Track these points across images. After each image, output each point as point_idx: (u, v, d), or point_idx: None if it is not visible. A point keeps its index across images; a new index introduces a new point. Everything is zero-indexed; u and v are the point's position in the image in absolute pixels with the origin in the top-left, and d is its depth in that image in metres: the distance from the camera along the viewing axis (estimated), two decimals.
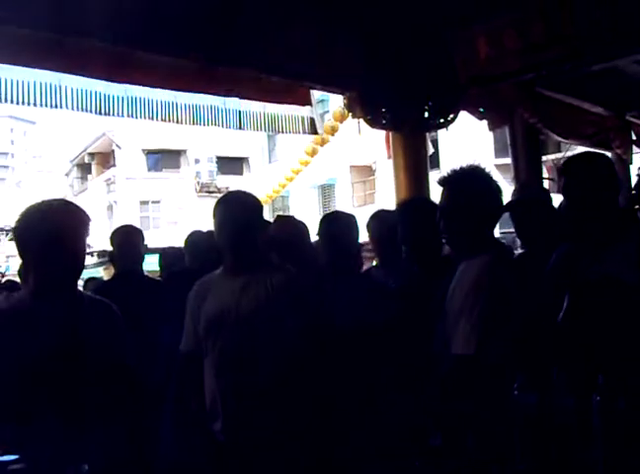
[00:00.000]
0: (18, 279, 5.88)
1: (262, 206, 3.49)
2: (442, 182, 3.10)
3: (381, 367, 3.26)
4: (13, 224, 2.75)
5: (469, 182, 3.03)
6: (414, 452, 2.43)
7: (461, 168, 3.09)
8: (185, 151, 35.40)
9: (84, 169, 40.25)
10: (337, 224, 3.65)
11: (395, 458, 2.41)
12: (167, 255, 5.22)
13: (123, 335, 2.95)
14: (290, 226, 4.25)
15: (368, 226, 4.18)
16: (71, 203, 2.88)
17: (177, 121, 6.09)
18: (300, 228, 4.27)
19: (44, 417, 2.59)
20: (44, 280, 2.70)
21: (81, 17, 4.32)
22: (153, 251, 5.96)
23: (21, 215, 2.72)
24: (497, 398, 1.60)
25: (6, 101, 5.11)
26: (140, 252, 4.89)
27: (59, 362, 2.54)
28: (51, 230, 2.62)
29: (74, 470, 1.48)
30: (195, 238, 4.54)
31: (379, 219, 4.07)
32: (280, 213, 15.91)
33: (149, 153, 35.01)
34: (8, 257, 34.80)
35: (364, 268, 4.91)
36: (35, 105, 5.24)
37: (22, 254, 2.72)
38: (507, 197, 3.86)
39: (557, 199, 4.03)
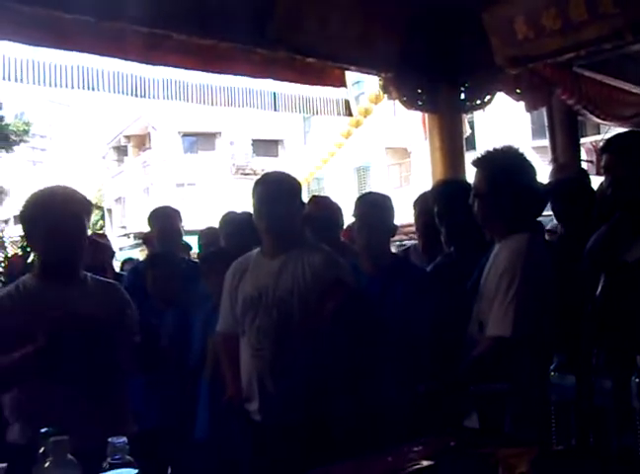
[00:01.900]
0: None
1: (301, 187, 3.48)
2: (476, 163, 3.08)
3: (417, 350, 3.26)
4: (19, 211, 2.87)
5: (503, 163, 3.00)
6: (449, 433, 2.43)
7: (495, 149, 3.06)
8: (220, 133, 35.51)
9: (120, 151, 40.59)
10: (372, 205, 3.64)
11: (430, 439, 2.41)
12: (205, 235, 5.26)
13: (128, 314, 3.01)
14: (326, 205, 4.28)
15: (415, 205, 4.17)
16: (71, 189, 2.98)
17: (212, 104, 6.12)
18: (335, 208, 4.29)
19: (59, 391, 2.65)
20: (47, 263, 2.85)
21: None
22: (190, 232, 6.02)
23: (25, 202, 2.85)
24: (534, 379, 1.59)
25: (44, 84, 5.18)
26: (179, 233, 4.93)
27: (63, 340, 2.58)
28: (53, 216, 2.75)
29: (114, 444, 1.51)
30: (229, 219, 4.55)
31: (424, 200, 4.05)
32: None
33: (185, 135, 35.18)
34: None
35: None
36: (72, 88, 5.30)
37: (27, 238, 2.88)
38: (544, 179, 3.82)
39: (595, 182, 3.98)
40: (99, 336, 2.66)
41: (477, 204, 3.02)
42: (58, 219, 2.74)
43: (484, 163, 3.05)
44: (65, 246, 2.80)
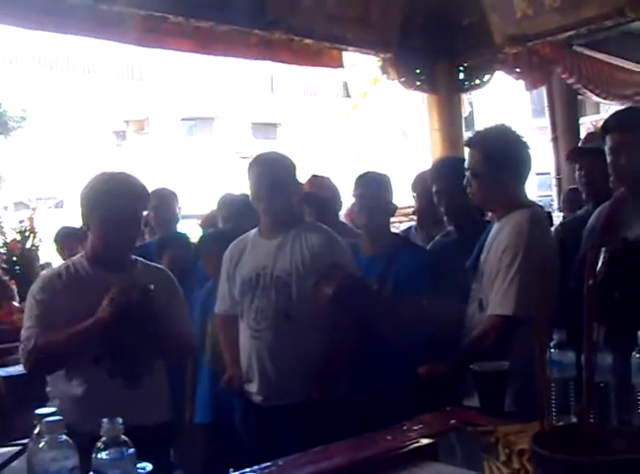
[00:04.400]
0: (54, 246, 6.05)
1: (295, 166, 3.45)
2: (471, 142, 3.04)
3: (415, 330, 3.24)
4: (80, 193, 2.90)
5: (499, 139, 2.96)
6: (449, 412, 2.43)
7: (487, 128, 3.03)
8: (218, 117, 35.43)
9: (119, 136, 40.47)
10: (371, 185, 3.61)
11: (430, 418, 2.40)
12: (206, 218, 5.25)
13: (174, 304, 3.05)
14: (325, 185, 4.27)
15: (414, 186, 4.14)
16: (132, 177, 3.01)
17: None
18: (333, 188, 4.28)
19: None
20: (101, 248, 2.89)
21: None
22: (188, 217, 6.00)
23: (85, 186, 2.89)
24: (533, 357, 1.58)
25: (42, 68, 5.17)
26: (175, 213, 4.92)
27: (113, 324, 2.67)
28: (109, 204, 2.79)
29: (107, 423, 1.49)
30: (227, 201, 4.53)
31: (423, 179, 4.01)
32: None
33: (183, 119, 35.11)
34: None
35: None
36: (70, 71, 5.29)
37: (84, 221, 2.90)
38: (539, 159, 3.78)
39: None
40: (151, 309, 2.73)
41: (475, 185, 2.96)
42: (114, 208, 2.79)
43: (479, 142, 3.00)
44: (118, 234, 2.86)
